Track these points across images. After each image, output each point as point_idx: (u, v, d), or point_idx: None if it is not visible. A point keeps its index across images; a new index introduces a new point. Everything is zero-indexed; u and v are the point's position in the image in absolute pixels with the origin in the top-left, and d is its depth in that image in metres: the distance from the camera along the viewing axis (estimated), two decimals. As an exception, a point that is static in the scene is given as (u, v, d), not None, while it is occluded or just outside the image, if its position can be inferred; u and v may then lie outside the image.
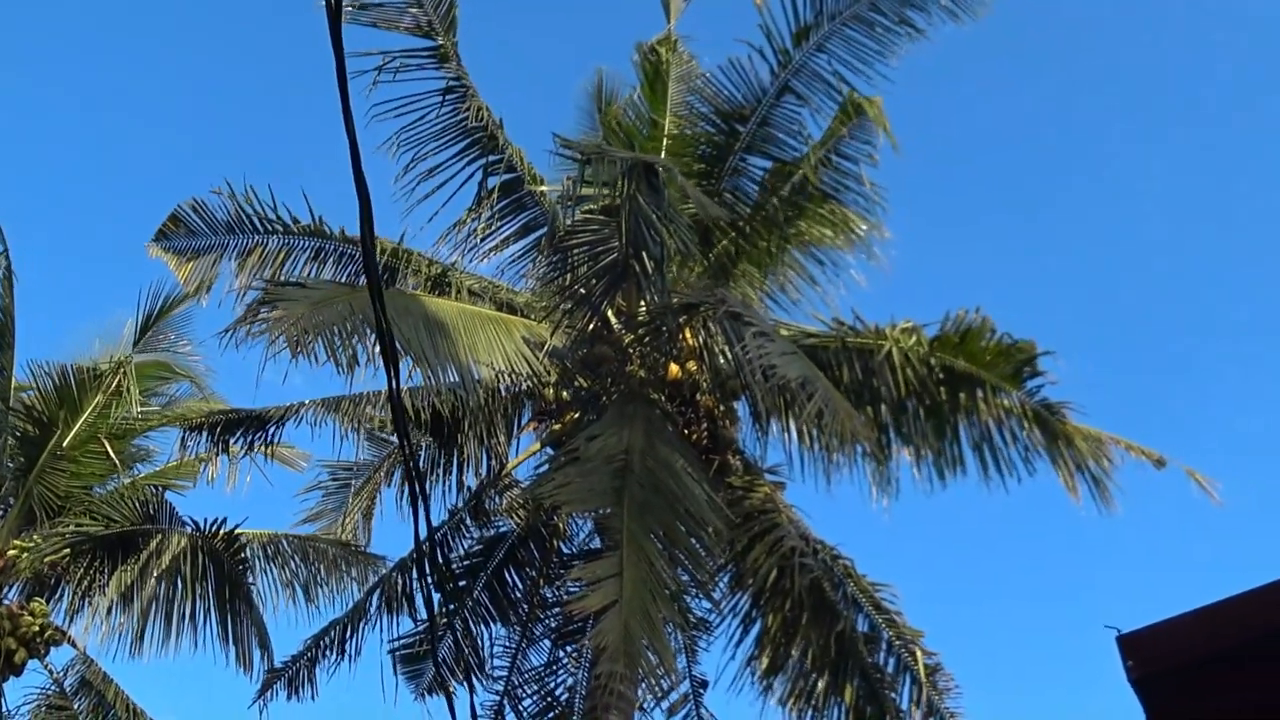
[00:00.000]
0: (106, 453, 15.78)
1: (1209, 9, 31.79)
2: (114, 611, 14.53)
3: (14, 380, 16.16)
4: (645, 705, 13.32)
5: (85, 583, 14.91)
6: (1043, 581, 33.45)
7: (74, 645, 15.93)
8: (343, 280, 14.05)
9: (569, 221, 13.35)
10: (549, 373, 13.19)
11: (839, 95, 13.91)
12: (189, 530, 14.67)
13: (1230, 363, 33.55)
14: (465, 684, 13.99)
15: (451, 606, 14.22)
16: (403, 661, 14.77)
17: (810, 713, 13.25)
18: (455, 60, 12.96)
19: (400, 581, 14.30)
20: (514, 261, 14.41)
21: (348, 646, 14.46)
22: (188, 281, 14.27)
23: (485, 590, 14.71)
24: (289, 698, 14.48)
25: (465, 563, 14.70)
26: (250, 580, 14.83)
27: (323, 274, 14.13)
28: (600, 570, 10.45)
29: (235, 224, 14.06)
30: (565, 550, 14.90)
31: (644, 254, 11.96)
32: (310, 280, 13.64)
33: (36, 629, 14.93)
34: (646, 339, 13.42)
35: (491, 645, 14.77)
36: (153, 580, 14.25)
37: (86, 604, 14.94)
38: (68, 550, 14.88)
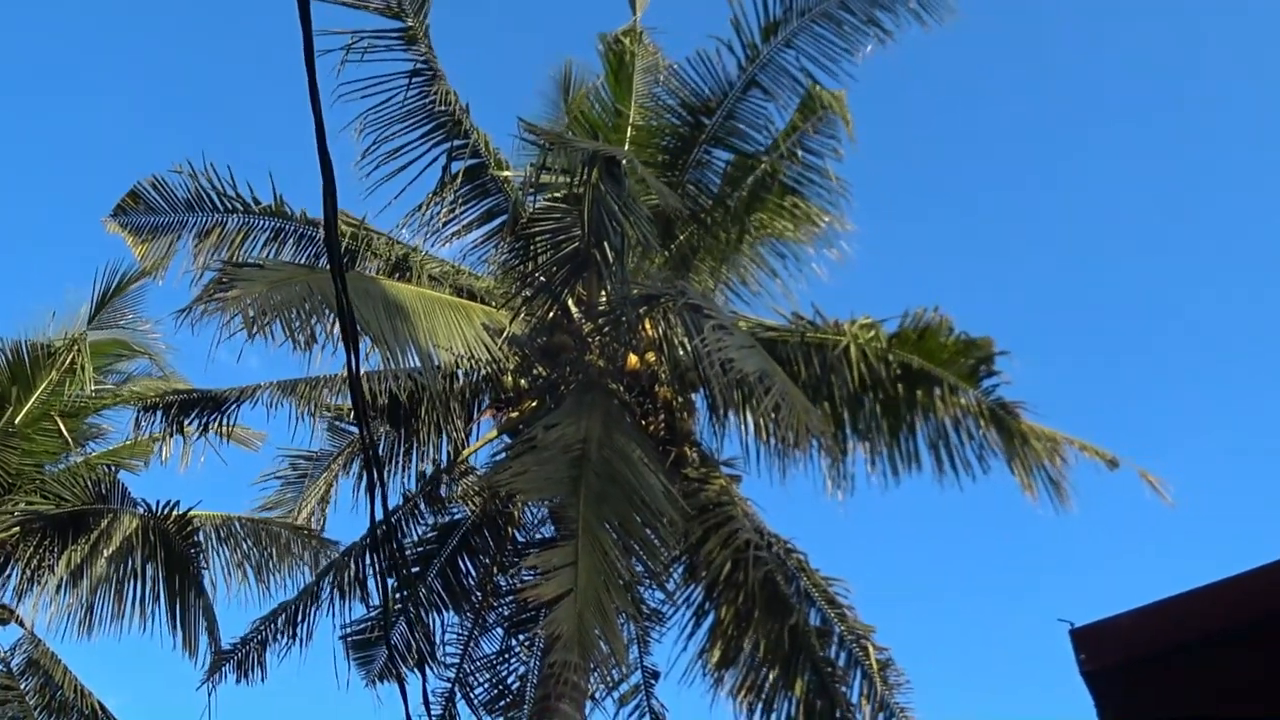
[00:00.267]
0: (59, 430, 15.62)
1: (1169, 6, 32.04)
2: (63, 591, 14.40)
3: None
4: (597, 695, 13.35)
5: (34, 562, 14.76)
6: (997, 578, 33.72)
7: (22, 625, 15.78)
8: (302, 262, 13.98)
9: (531, 209, 13.34)
10: (508, 360, 13.18)
11: (809, 91, 13.95)
12: (141, 512, 14.55)
13: (1188, 364, 33.87)
14: (417, 671, 13.94)
15: (404, 593, 14.18)
16: (354, 647, 14.70)
17: (760, 706, 13.30)
18: (424, 43, 12.90)
19: (354, 567, 14.23)
20: (476, 247, 14.38)
21: (299, 630, 14.37)
22: (145, 258, 14.16)
23: (439, 577, 14.65)
24: (238, 680, 14.37)
25: (419, 549, 14.64)
26: (202, 563, 14.71)
27: (282, 255, 14.06)
28: (555, 559, 10.44)
29: (195, 202, 13.96)
30: (520, 538, 14.87)
31: (605, 244, 11.96)
32: (269, 261, 13.56)
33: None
34: (606, 329, 13.42)
35: (444, 632, 14.75)
36: (103, 560, 14.13)
37: (35, 583, 14.80)
38: (17, 528, 14.72)
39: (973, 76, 34.53)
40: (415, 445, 14.07)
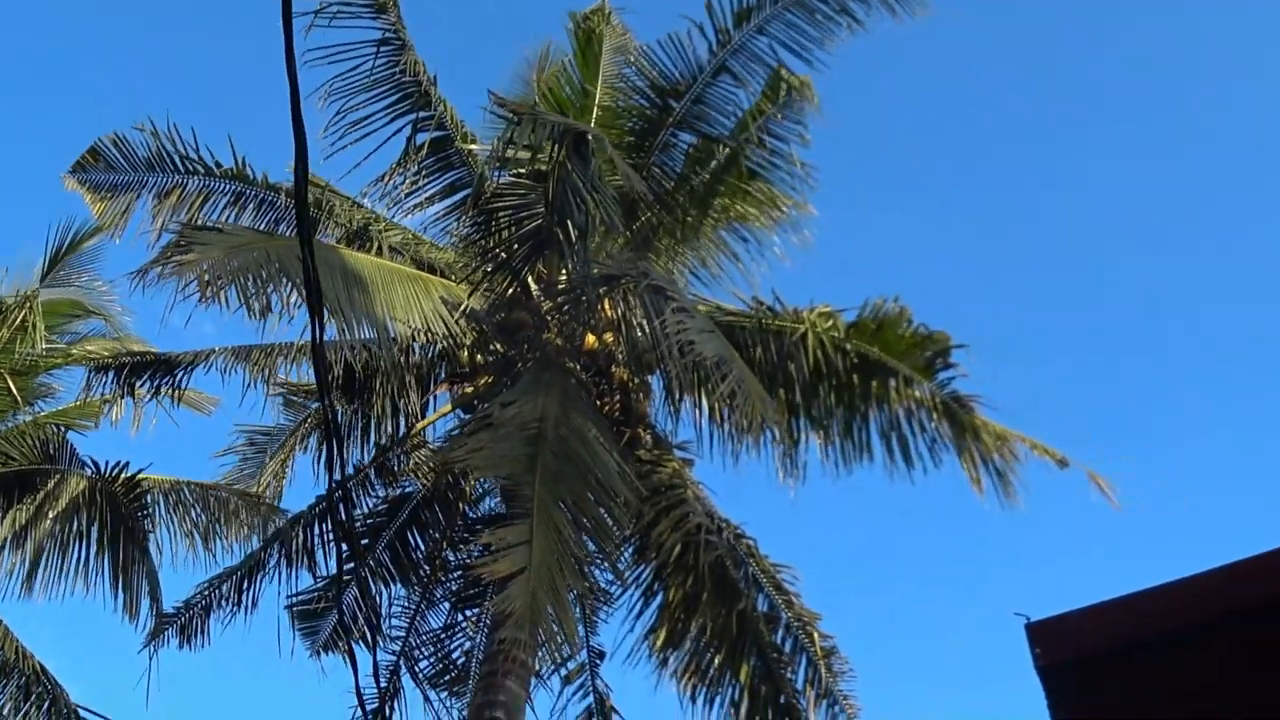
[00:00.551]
0: (8, 389, 15.41)
1: (1169, 6, 32.20)
2: (5, 551, 14.24)
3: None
4: (542, 673, 13.37)
5: (-22, 521, 14.57)
6: (953, 573, 33.92)
7: (-39, 584, 15.57)
8: (262, 227, 13.87)
9: (495, 184, 13.29)
10: (465, 335, 13.13)
11: (776, 78, 13.97)
12: (89, 473, 14.40)
13: (1145, 365, 34.20)
14: (363, 643, 13.89)
15: (354, 564, 14.13)
16: (300, 618, 14.66)
17: (705, 689, 13.35)
18: (394, 12, 12.81)
19: (302, 535, 14.16)
20: (437, 220, 14.35)
21: (244, 598, 14.31)
22: (103, 217, 13.99)
23: (387, 550, 14.62)
24: (181, 645, 14.30)
25: (369, 521, 14.60)
26: (148, 526, 14.58)
27: (242, 219, 13.94)
28: (509, 537, 10.42)
29: (156, 162, 13.81)
30: (470, 514, 14.87)
31: (568, 222, 11.92)
32: (228, 225, 13.44)
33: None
34: (565, 307, 13.41)
35: (390, 605, 14.71)
36: (48, 521, 13.98)
37: (-22, 543, 14.60)
38: (-39, 486, 14.53)
39: (970, 74, 34.55)
40: (370, 417, 14.01)
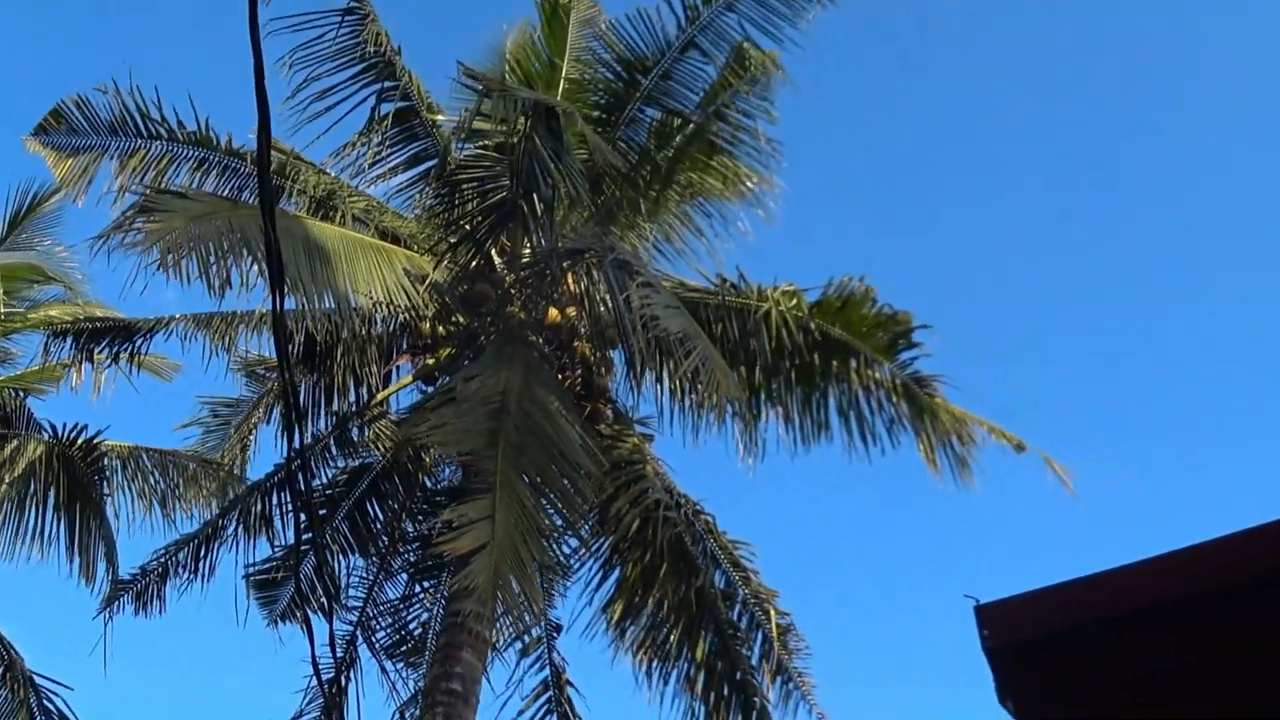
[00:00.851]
0: (-36, 352, 15.30)
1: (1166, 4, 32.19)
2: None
3: None
4: (499, 645, 13.40)
5: (-68, 485, 14.44)
6: (911, 559, 34.09)
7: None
8: (224, 194, 13.77)
9: (460, 156, 13.26)
10: (428, 306, 13.10)
11: (745, 55, 13.97)
12: (46, 437, 14.30)
13: (1106, 349, 34.38)
14: (321, 613, 13.88)
15: (312, 534, 14.10)
16: (257, 587, 14.64)
17: (660, 664, 13.41)
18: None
19: (260, 504, 14.13)
20: (401, 190, 14.31)
21: (201, 566, 14.27)
22: (65, 181, 13.85)
23: (346, 520, 14.61)
24: (136, 612, 14.26)
25: (328, 491, 14.58)
26: (105, 490, 14.49)
27: (205, 185, 13.83)
28: (472, 512, 10.42)
29: (119, 126, 13.67)
30: (429, 485, 14.87)
31: (534, 195, 11.92)
32: (192, 190, 13.34)
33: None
34: (529, 281, 13.39)
35: (348, 576, 14.70)
36: (4, 485, 13.87)
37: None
38: (-83, 450, 14.40)
39: (967, 71, 34.50)
40: (332, 386, 13.96)
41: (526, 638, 13.79)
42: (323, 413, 14.28)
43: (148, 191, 12.63)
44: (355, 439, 14.71)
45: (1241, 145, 32.37)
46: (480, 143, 13.12)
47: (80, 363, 13.89)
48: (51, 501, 14.23)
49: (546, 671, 14.01)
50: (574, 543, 13.31)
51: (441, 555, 12.01)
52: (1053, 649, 4.03)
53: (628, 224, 14.65)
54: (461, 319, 13.60)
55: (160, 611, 14.31)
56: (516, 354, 12.44)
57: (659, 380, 14.06)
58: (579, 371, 13.58)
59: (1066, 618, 3.97)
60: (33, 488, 14.10)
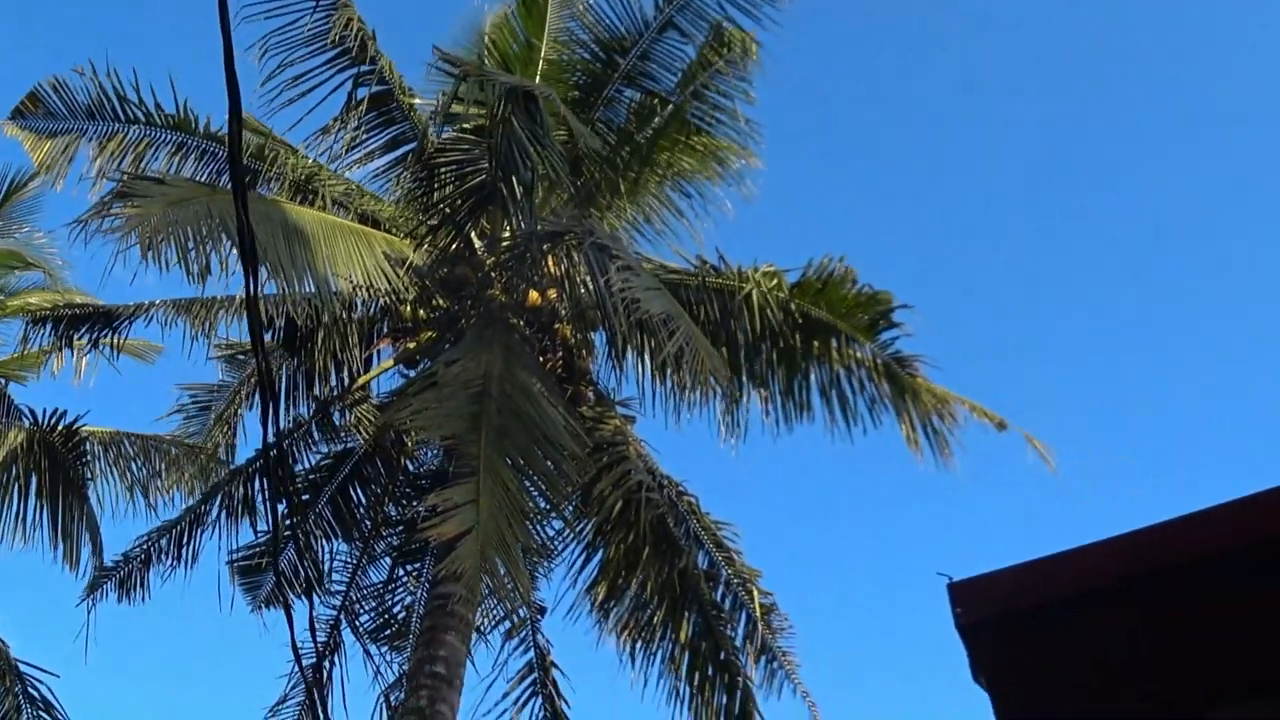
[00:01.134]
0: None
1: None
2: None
3: None
4: (483, 628, 13.43)
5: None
6: (893, 538, 34.19)
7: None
8: (203, 179, 13.72)
9: (439, 139, 13.22)
10: (408, 290, 13.08)
11: (723, 33, 13.94)
12: (26, 423, 14.25)
13: (1078, 332, 34.49)
14: (304, 597, 13.88)
15: (294, 520, 14.10)
16: (241, 573, 14.64)
17: (644, 644, 13.45)
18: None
19: (242, 490, 14.12)
20: (378, 175, 14.26)
21: (184, 552, 14.26)
22: (43, 165, 13.78)
23: (329, 505, 14.61)
24: (120, 599, 14.25)
25: (311, 476, 14.57)
26: (89, 477, 14.45)
27: (184, 169, 13.78)
28: (456, 496, 10.41)
29: (96, 110, 13.61)
30: (411, 468, 14.87)
31: (513, 178, 11.88)
32: (170, 176, 13.28)
33: None
34: (509, 264, 13.37)
35: (331, 560, 14.71)
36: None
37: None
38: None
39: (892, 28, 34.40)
40: (313, 371, 13.93)
41: (511, 620, 13.81)
42: (304, 397, 14.25)
43: (126, 177, 12.58)
44: (337, 423, 14.70)
45: (1241, 143, 32.38)
46: (459, 126, 13.08)
47: (60, 349, 13.86)
48: (34, 488, 14.17)
49: (531, 654, 14.03)
50: (558, 525, 13.34)
51: (426, 539, 12.00)
52: (1025, 625, 4.06)
53: (607, 205, 14.64)
54: (442, 302, 13.59)
55: (144, 599, 14.33)
56: (497, 337, 12.43)
57: (640, 362, 14.06)
58: (560, 354, 13.58)
59: (1038, 594, 4.01)
60: (14, 474, 14.06)
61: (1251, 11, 30.09)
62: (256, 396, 14.91)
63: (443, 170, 12.90)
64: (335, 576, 14.66)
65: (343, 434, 14.74)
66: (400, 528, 14.80)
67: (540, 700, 13.81)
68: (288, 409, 14.22)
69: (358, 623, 14.54)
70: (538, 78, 14.48)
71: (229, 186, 12.98)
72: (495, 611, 13.33)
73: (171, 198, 11.18)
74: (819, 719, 14.05)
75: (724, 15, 13.86)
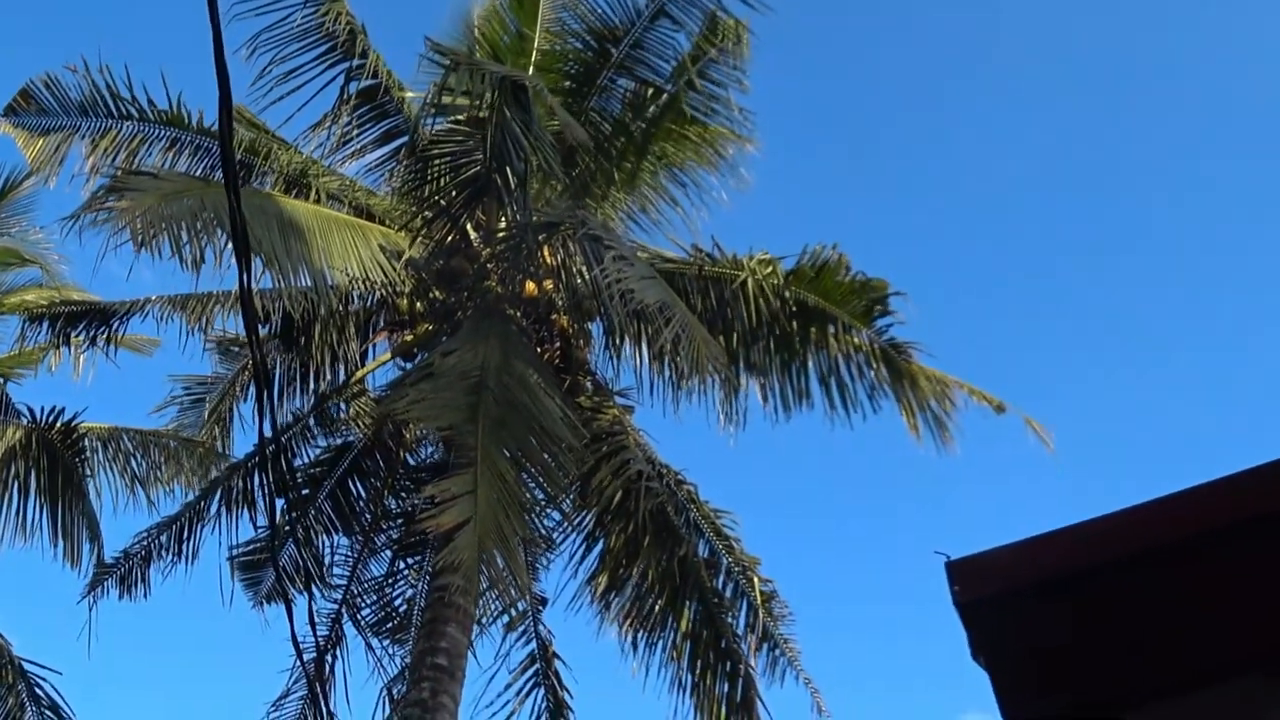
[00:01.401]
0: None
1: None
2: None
3: None
4: (484, 619, 13.42)
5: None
6: (893, 519, 34.14)
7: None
8: (198, 174, 13.70)
9: (432, 131, 13.20)
10: (404, 282, 13.07)
11: (716, 21, 13.91)
12: (25, 422, 14.23)
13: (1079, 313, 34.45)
14: (304, 592, 13.89)
15: (294, 514, 14.10)
16: (241, 569, 14.63)
17: (645, 634, 13.45)
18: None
19: (241, 484, 14.11)
20: (372, 169, 14.24)
21: (185, 548, 14.24)
22: (36, 162, 13.76)
23: (329, 499, 14.61)
24: (121, 596, 14.23)
25: (310, 470, 14.56)
26: (87, 472, 14.43)
27: (177, 165, 13.77)
28: (454, 487, 10.40)
29: (89, 106, 13.59)
30: (411, 461, 14.86)
31: (507, 169, 11.87)
32: (163, 171, 13.26)
33: None
34: (505, 255, 13.36)
35: (332, 554, 14.71)
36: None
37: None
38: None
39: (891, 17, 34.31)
40: (310, 365, 13.92)
41: (512, 612, 13.81)
42: (301, 390, 14.25)
43: (120, 172, 12.56)
44: (335, 417, 14.69)
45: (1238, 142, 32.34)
46: (451, 118, 13.06)
47: (58, 346, 13.85)
48: (33, 486, 14.16)
49: (533, 644, 14.05)
50: (557, 516, 13.36)
51: (425, 531, 11.99)
52: (1023, 602, 4.04)
53: (603, 195, 14.62)
54: (438, 294, 13.58)
55: (145, 595, 14.31)
56: (494, 328, 12.42)
57: (638, 352, 14.07)
58: (557, 344, 13.58)
59: (1037, 571, 3.99)
60: (14, 472, 14.04)
61: (1252, 11, 30.06)
62: (252, 389, 14.89)
63: (437, 162, 12.89)
64: (336, 570, 14.68)
65: (341, 428, 14.74)
66: (400, 520, 14.80)
67: (543, 691, 13.82)
68: (283, 403, 14.23)
69: (359, 616, 14.56)
70: (530, 68, 14.45)
71: (223, 180, 12.97)
72: (497, 603, 13.31)
73: (165, 191, 11.16)
74: (822, 705, 14.06)
75: (716, 3, 13.82)
